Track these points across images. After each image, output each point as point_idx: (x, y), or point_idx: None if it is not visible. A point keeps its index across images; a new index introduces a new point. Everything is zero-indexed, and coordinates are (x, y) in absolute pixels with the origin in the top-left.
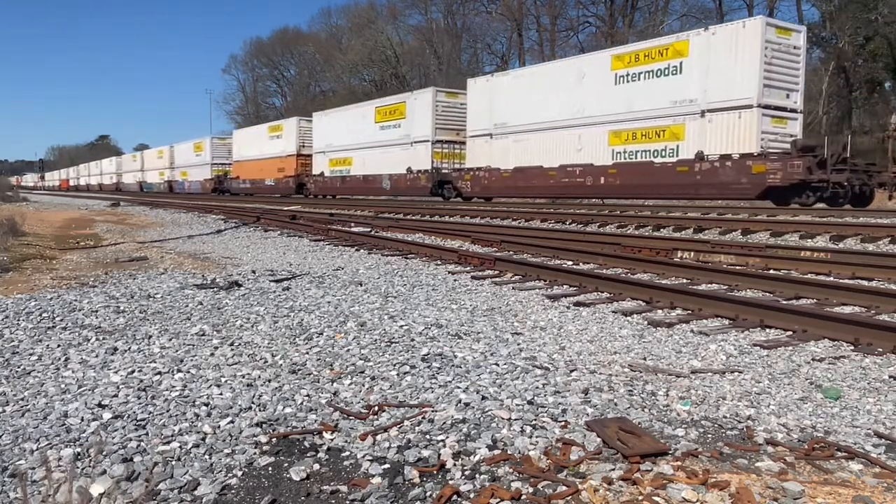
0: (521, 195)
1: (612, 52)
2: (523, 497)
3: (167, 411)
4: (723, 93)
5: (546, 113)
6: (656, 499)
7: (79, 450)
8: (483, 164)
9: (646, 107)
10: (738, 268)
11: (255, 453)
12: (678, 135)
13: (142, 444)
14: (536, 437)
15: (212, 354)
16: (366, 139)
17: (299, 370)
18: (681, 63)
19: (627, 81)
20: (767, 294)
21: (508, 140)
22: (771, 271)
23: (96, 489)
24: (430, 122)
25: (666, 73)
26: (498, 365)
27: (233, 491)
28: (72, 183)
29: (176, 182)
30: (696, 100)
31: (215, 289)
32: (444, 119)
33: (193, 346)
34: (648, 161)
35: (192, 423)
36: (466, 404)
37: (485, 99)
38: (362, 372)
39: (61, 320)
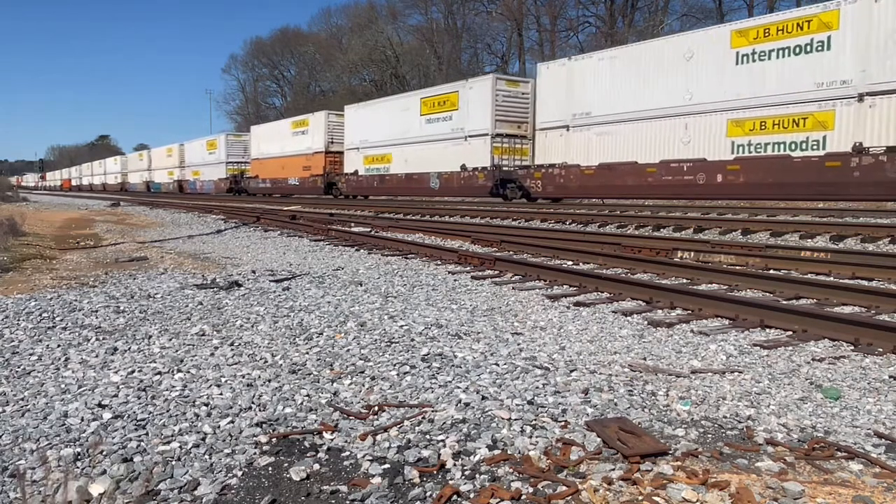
0: (606, 195)
1: (732, 27)
2: (523, 497)
3: (167, 411)
4: (890, 71)
5: (642, 100)
6: (656, 499)
7: (79, 450)
8: (557, 161)
9: (779, 90)
10: (738, 268)
11: (255, 453)
12: (825, 123)
13: (142, 444)
14: (536, 437)
15: (212, 354)
16: (409, 134)
17: (299, 370)
18: (828, 37)
19: (754, 60)
20: (767, 294)
21: (591, 133)
22: (771, 271)
23: (96, 489)
24: (489, 114)
25: (808, 49)
26: (498, 365)
27: (233, 491)
28: (74, 183)
29: (187, 182)
30: (849, 81)
31: (215, 289)
32: (505, 110)
33: (193, 346)
34: (784, 155)
35: (192, 423)
36: (466, 404)
37: (560, 86)
38: (362, 372)
39: (61, 320)
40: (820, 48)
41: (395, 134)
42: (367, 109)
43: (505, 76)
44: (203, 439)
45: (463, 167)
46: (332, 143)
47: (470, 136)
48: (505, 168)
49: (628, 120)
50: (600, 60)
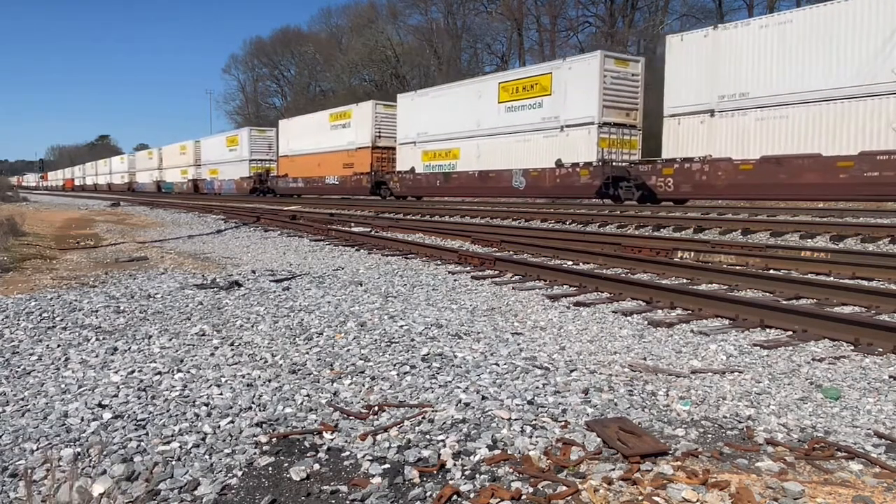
0: (771, 197)
1: None
2: (523, 497)
3: (167, 411)
4: None
5: (829, 75)
6: (656, 499)
7: (79, 450)
8: (696, 154)
9: None
10: (738, 268)
11: (255, 453)
12: None
13: (142, 444)
14: (536, 437)
15: (212, 354)
16: (483, 124)
17: (299, 370)
18: None
19: None
20: (767, 294)
21: (747, 118)
22: (771, 271)
23: (96, 489)
24: (595, 99)
25: None
26: (498, 365)
27: (233, 491)
28: (77, 182)
29: (203, 181)
30: None
31: (215, 289)
32: (614, 95)
33: (193, 346)
34: None
35: (193, 423)
36: (466, 404)
37: (700, 62)
38: (362, 372)
39: (61, 320)
40: None
41: (464, 125)
42: (426, 98)
43: (614, 54)
44: (203, 439)
45: (558, 163)
46: (379, 137)
47: (568, 126)
48: (616, 163)
49: (806, 101)
50: (763, 28)
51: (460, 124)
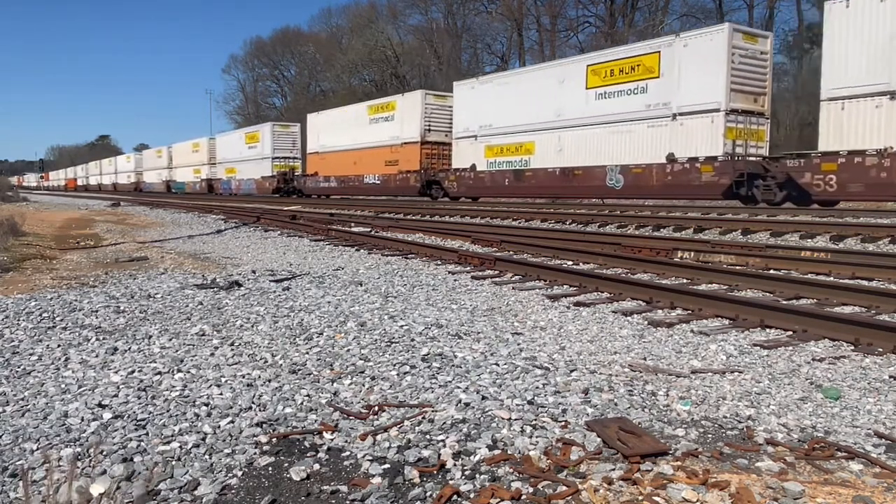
0: None
1: None
2: (523, 497)
3: (167, 411)
4: None
5: None
6: (656, 499)
7: (79, 450)
8: (869, 146)
9: None
10: (738, 268)
11: (255, 453)
12: None
13: (142, 444)
14: (536, 437)
15: (212, 354)
16: (565, 114)
17: (299, 370)
18: None
19: None
20: (767, 294)
21: None
22: (771, 271)
23: (96, 489)
24: (721, 82)
25: None
26: (498, 365)
27: (233, 491)
28: (80, 182)
29: (218, 181)
30: None
31: (215, 289)
32: (742, 77)
33: (193, 346)
34: None
35: (193, 423)
36: (466, 404)
37: (873, 33)
38: (362, 372)
39: (61, 320)
40: None
41: (540, 115)
42: (491, 85)
43: (742, 27)
44: (203, 439)
45: (671, 157)
46: (429, 131)
47: (683, 114)
48: (748, 157)
49: None
50: None
51: (535, 114)
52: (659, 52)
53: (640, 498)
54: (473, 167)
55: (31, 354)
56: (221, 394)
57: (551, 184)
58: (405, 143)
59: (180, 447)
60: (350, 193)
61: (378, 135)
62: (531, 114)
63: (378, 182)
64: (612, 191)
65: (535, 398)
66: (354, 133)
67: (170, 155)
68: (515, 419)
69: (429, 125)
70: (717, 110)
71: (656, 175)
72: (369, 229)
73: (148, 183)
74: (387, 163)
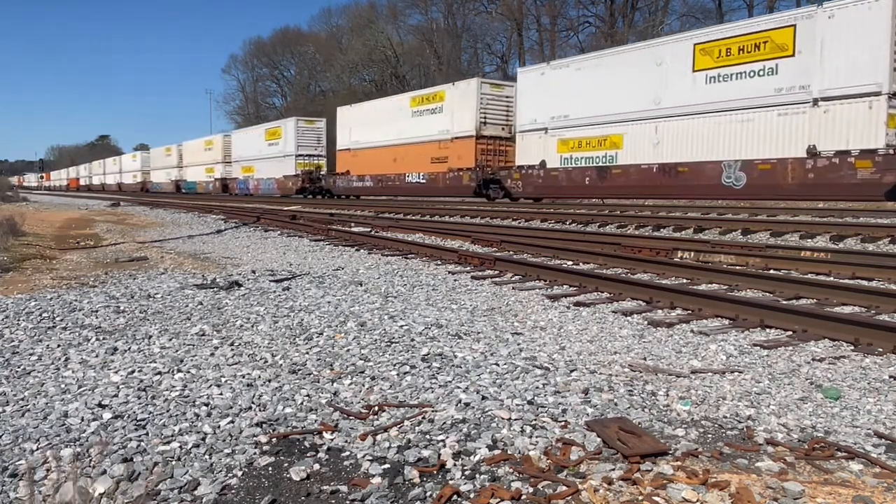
0: None
1: None
2: (523, 497)
3: (167, 411)
4: None
5: None
6: (656, 499)
7: (79, 450)
8: None
9: None
10: (738, 268)
11: (255, 453)
12: None
13: (142, 444)
14: (536, 437)
15: (212, 354)
16: (666, 101)
17: (299, 370)
18: None
19: None
20: (767, 294)
21: None
22: (771, 271)
23: (97, 489)
24: (883, 59)
25: None
26: (498, 365)
27: (233, 491)
28: (83, 182)
29: (234, 181)
30: None
31: (215, 289)
32: None
33: (193, 346)
34: None
35: (193, 423)
36: (466, 404)
37: None
38: (362, 372)
39: (61, 320)
40: None
41: (631, 103)
42: (566, 71)
43: None
44: (203, 439)
45: (812, 151)
46: (484, 124)
47: (828, 99)
48: None
49: None
50: None
51: (624, 103)
52: (794, 25)
53: (640, 498)
54: (543, 164)
55: (31, 354)
56: (221, 394)
57: (646, 182)
58: (456, 138)
59: (180, 447)
60: (389, 193)
61: (423, 129)
62: (619, 102)
63: (423, 181)
64: (729, 190)
65: (535, 398)
66: (394, 127)
67: (180, 153)
68: (515, 419)
69: (484, 117)
70: (877, 93)
71: (792, 172)
72: (369, 229)
73: (155, 183)
74: (433, 160)
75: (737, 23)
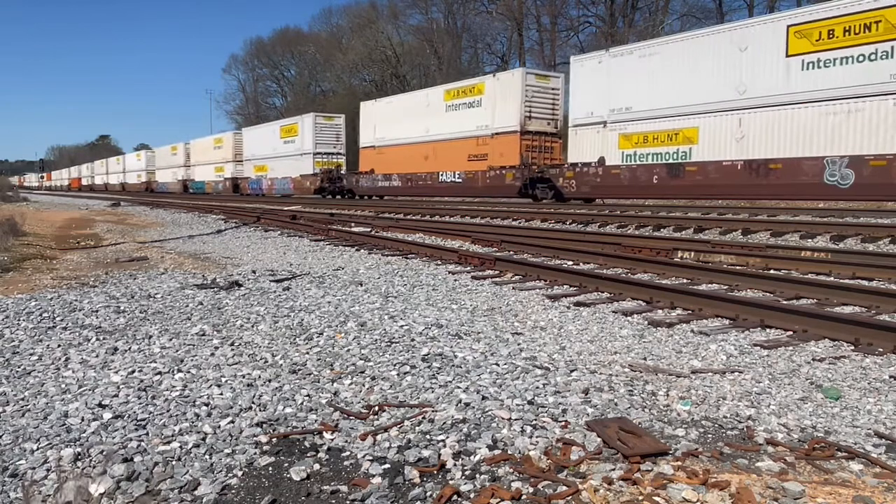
0: None
1: None
2: (523, 497)
3: (167, 411)
4: None
5: None
6: (656, 499)
7: (79, 450)
8: None
9: None
10: (738, 268)
11: (255, 453)
12: None
13: (142, 443)
14: (537, 437)
15: (212, 354)
16: (752, 90)
17: (299, 370)
18: None
19: None
20: (768, 294)
21: None
22: (771, 271)
23: (96, 489)
24: None
25: None
26: (498, 365)
27: (233, 491)
28: (85, 182)
29: (245, 180)
30: None
31: (215, 289)
32: None
33: (194, 346)
34: None
35: (193, 423)
36: (467, 404)
37: None
38: (362, 372)
39: (61, 320)
40: None
41: (709, 93)
42: (631, 59)
43: None
44: (203, 439)
45: None
46: (529, 118)
47: None
48: None
49: None
50: None
51: (699, 93)
52: None
53: (641, 498)
54: (602, 161)
55: (31, 354)
56: (222, 394)
57: (728, 181)
58: (497, 134)
59: (180, 447)
60: (419, 194)
61: (459, 124)
62: (692, 92)
63: (459, 180)
64: (833, 190)
65: (536, 398)
66: (425, 123)
67: (187, 152)
68: (515, 419)
69: (529, 111)
70: None
71: None
72: (369, 229)
73: (161, 183)
74: (471, 157)
75: (840, 1)
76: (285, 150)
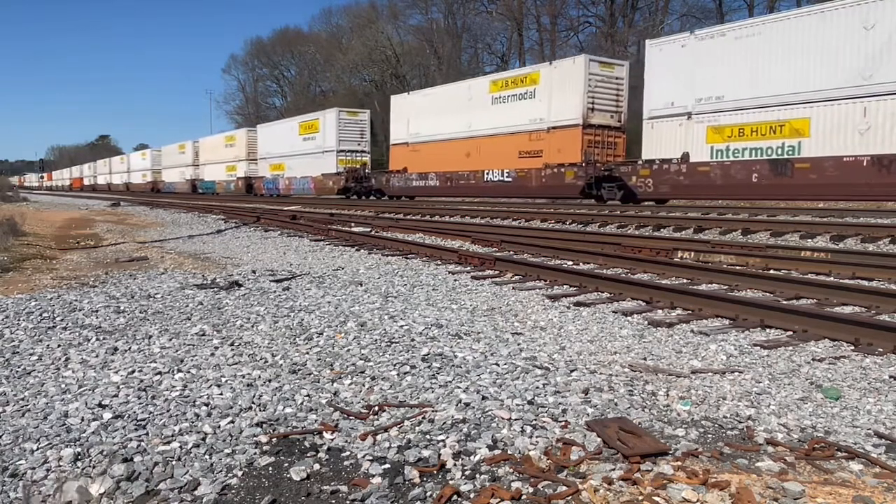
0: None
1: None
2: (523, 497)
3: (167, 411)
4: None
5: None
6: (656, 499)
7: (79, 450)
8: None
9: None
10: (738, 268)
11: (255, 453)
12: None
13: (142, 444)
14: (537, 437)
15: (212, 354)
16: (878, 76)
17: (299, 370)
18: None
19: None
20: (768, 294)
21: None
22: (771, 271)
23: (96, 489)
24: None
25: None
26: (498, 365)
27: (233, 491)
28: (87, 182)
29: (260, 180)
30: None
31: (215, 289)
32: None
33: (194, 346)
34: None
35: (193, 423)
36: (467, 404)
37: None
38: (362, 372)
39: (61, 320)
40: None
41: (822, 78)
42: (722, 41)
43: None
44: (203, 439)
45: None
46: (592, 110)
47: None
48: None
49: None
50: None
51: (811, 79)
52: None
53: (641, 498)
54: (686, 157)
55: (31, 354)
56: (221, 394)
57: (851, 180)
58: (554, 128)
59: (180, 447)
60: (461, 194)
61: (508, 118)
62: (802, 78)
63: (509, 179)
64: None
65: (536, 398)
66: (466, 117)
67: (195, 150)
68: (515, 419)
69: (592, 103)
70: None
71: None
72: (369, 229)
73: (168, 182)
74: (522, 154)
75: None
76: (305, 147)
